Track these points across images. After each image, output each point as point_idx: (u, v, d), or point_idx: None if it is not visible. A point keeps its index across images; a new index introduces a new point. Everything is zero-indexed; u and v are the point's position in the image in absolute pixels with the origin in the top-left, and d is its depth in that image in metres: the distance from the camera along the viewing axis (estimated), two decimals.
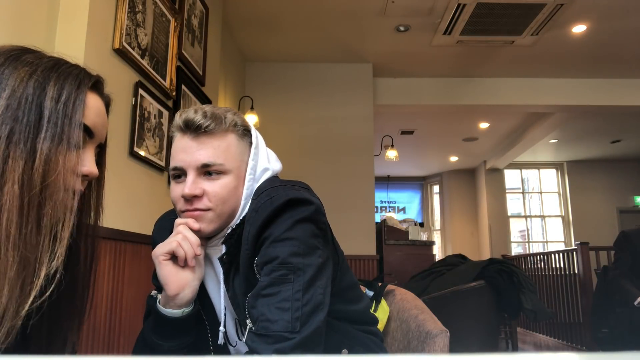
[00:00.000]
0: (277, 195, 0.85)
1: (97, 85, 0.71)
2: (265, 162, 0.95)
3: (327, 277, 0.85)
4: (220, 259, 0.89)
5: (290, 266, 0.80)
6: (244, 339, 0.82)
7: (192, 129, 0.88)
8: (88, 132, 0.68)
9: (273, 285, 0.79)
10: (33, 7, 1.47)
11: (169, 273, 0.86)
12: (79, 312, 0.72)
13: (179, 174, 0.90)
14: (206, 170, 0.88)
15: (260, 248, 0.84)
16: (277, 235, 0.82)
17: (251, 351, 0.78)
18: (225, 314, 0.93)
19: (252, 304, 0.81)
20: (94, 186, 0.73)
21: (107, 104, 0.75)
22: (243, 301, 0.85)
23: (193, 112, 0.89)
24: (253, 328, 0.80)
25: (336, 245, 0.97)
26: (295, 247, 0.81)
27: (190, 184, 0.87)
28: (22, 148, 0.59)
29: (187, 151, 0.88)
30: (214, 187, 0.88)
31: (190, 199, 0.87)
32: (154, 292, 0.92)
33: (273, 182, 0.92)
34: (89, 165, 0.68)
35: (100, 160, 0.73)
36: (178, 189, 0.89)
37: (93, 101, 0.69)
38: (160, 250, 0.86)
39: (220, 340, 0.92)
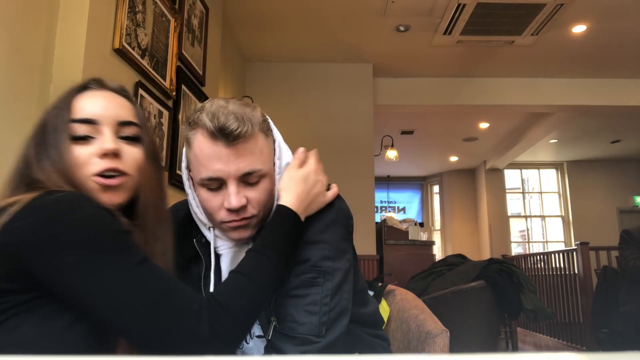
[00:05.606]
0: None
1: (88, 86, 0.81)
2: (287, 157, 0.95)
3: (351, 281, 0.86)
4: None
5: (321, 269, 0.81)
6: (269, 336, 0.82)
7: (227, 135, 0.80)
8: (89, 122, 0.76)
9: (302, 287, 0.80)
10: (33, 7, 1.47)
11: None
12: None
13: (215, 186, 0.83)
14: (246, 179, 0.84)
15: None
16: (309, 237, 0.83)
17: (275, 349, 0.79)
18: None
19: (280, 303, 0.81)
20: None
21: (115, 90, 0.83)
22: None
23: (224, 115, 0.81)
24: (278, 326, 0.80)
25: (354, 248, 0.97)
26: (327, 251, 0.82)
27: (236, 195, 0.82)
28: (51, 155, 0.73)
29: (224, 160, 0.81)
30: (256, 193, 0.85)
31: (236, 210, 0.83)
32: None
33: None
34: (105, 142, 0.76)
35: (133, 137, 0.80)
36: (216, 200, 0.83)
37: (84, 98, 0.78)
38: None
39: None
